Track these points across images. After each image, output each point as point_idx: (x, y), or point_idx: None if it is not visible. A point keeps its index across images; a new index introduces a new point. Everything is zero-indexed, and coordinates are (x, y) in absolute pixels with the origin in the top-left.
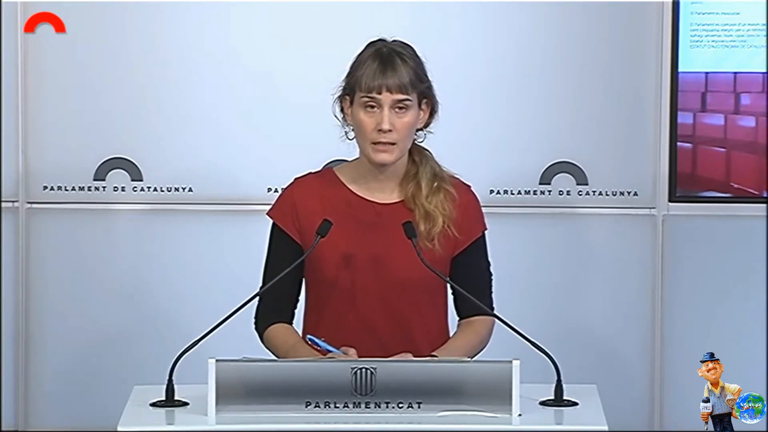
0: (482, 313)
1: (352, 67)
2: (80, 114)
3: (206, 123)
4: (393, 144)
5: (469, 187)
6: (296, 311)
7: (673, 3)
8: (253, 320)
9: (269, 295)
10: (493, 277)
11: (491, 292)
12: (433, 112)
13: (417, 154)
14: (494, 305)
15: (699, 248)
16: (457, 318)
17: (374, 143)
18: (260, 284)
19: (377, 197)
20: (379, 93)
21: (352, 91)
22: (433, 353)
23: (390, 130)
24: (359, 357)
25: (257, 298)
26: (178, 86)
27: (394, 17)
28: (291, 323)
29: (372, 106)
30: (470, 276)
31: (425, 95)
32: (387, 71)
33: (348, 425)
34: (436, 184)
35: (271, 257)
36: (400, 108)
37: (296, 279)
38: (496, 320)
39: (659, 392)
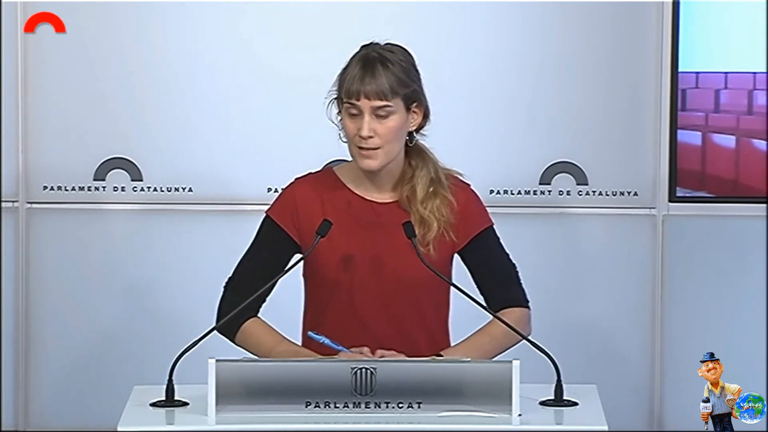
0: (507, 306)
1: (341, 71)
2: (80, 114)
3: (206, 123)
4: (376, 149)
5: (468, 185)
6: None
7: (673, 3)
8: (216, 313)
9: (244, 288)
10: (517, 267)
11: (518, 281)
12: (425, 116)
13: (415, 157)
14: (526, 294)
15: (699, 248)
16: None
17: (358, 148)
18: (232, 274)
19: (375, 197)
20: (358, 99)
21: (339, 94)
22: (439, 353)
23: (371, 137)
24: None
25: (222, 291)
26: (178, 86)
27: (393, 18)
28: (258, 316)
29: (354, 113)
30: (486, 267)
31: (413, 99)
32: (366, 78)
33: (348, 425)
34: (432, 189)
35: (257, 251)
36: (381, 115)
37: (275, 274)
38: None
39: (659, 392)
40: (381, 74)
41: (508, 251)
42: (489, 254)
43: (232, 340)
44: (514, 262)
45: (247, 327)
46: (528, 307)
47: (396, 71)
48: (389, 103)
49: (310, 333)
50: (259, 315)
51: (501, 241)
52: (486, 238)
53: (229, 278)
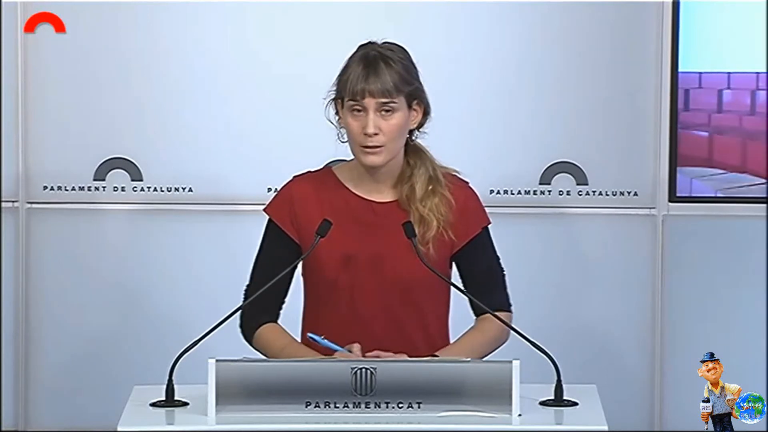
0: (494, 310)
1: (340, 71)
2: (80, 114)
3: (206, 123)
4: (380, 146)
5: (467, 183)
6: (282, 310)
7: (673, 3)
8: (239, 319)
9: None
10: (504, 271)
11: (503, 286)
12: (426, 113)
13: (413, 156)
14: (510, 299)
15: (699, 248)
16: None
17: (362, 146)
18: (248, 281)
19: (374, 197)
20: (363, 98)
21: (341, 94)
22: (435, 354)
23: (376, 134)
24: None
25: (243, 297)
26: (178, 86)
27: (392, 18)
28: (277, 321)
29: (358, 110)
30: (476, 272)
31: (414, 96)
32: (370, 76)
33: (348, 425)
34: (431, 187)
35: (264, 254)
36: (386, 111)
37: (288, 277)
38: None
39: (659, 392)
40: (384, 72)
41: (498, 254)
42: (482, 258)
43: (251, 345)
44: (502, 265)
45: (260, 331)
46: (511, 311)
47: (398, 69)
48: (394, 100)
49: (309, 334)
50: (278, 321)
51: (494, 242)
52: (482, 241)
53: (247, 284)
